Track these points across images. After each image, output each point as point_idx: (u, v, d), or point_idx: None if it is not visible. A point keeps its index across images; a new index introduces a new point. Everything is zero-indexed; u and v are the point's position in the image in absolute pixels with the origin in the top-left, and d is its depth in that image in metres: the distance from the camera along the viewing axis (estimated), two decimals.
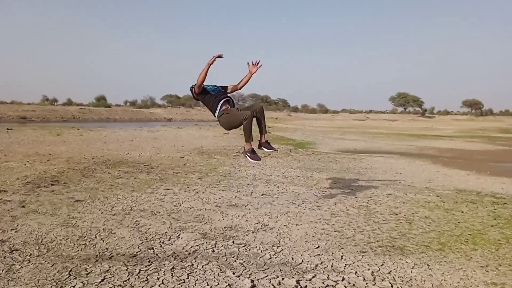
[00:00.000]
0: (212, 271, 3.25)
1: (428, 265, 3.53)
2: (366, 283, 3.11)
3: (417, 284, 3.14)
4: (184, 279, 3.07)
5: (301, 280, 3.11)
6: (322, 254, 3.73)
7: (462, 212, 5.50)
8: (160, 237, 4.05)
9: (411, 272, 3.36)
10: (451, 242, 4.20)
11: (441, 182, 8.27)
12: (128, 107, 66.24)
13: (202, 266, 3.35)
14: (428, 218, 5.13)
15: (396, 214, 5.27)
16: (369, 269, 3.39)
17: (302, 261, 3.55)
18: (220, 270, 3.29)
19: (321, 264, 3.49)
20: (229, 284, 3.00)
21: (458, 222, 4.96)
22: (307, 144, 17.60)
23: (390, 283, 3.13)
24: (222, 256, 3.60)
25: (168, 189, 6.30)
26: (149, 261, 3.42)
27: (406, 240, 4.22)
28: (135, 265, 3.33)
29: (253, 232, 4.36)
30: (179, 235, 4.12)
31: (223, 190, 6.37)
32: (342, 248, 3.90)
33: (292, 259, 3.59)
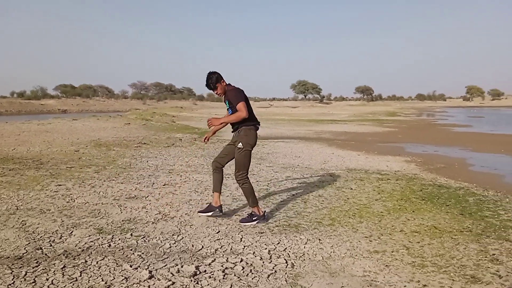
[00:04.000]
0: (108, 266, 3.13)
1: (319, 239, 3.79)
2: (263, 262, 3.24)
3: (309, 258, 3.37)
4: (76, 277, 2.91)
5: (200, 266, 3.14)
6: (222, 239, 3.80)
7: (351, 189, 5.99)
8: (50, 236, 3.77)
9: (304, 248, 3.58)
10: (340, 217, 4.56)
11: (334, 163, 8.89)
12: (16, 99, 59.90)
13: (97, 262, 3.21)
14: (321, 196, 5.50)
15: (293, 194, 5.56)
16: (266, 248, 3.54)
17: (202, 247, 3.58)
18: (117, 264, 3.18)
19: (221, 248, 3.56)
20: (125, 277, 2.92)
21: (348, 198, 5.40)
22: None
23: (285, 259, 3.31)
24: (119, 250, 3.48)
25: (60, 185, 5.87)
26: (37, 262, 3.18)
27: (301, 218, 4.49)
28: (21, 267, 3.07)
29: (153, 223, 4.28)
30: (71, 232, 3.88)
31: (122, 183, 6.13)
32: (242, 231, 4.02)
33: (193, 246, 3.61)
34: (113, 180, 6.34)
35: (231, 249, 3.54)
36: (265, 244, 3.65)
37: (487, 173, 8.55)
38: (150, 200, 5.19)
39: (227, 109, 4.49)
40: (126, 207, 4.82)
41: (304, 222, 4.33)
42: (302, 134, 17.82)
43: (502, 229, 4.09)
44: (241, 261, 3.25)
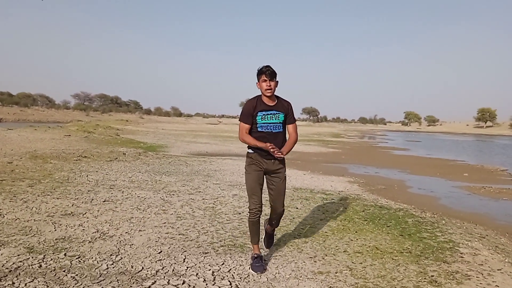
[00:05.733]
0: None
1: (264, 260, 3.73)
2: (206, 284, 3.13)
3: (254, 280, 3.30)
4: None
5: None
6: (164, 259, 3.63)
7: (297, 208, 6.02)
8: None
9: (249, 268, 3.51)
10: (286, 237, 4.54)
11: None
12: None
13: (26, 284, 2.94)
14: (268, 215, 5.45)
15: (240, 213, 5.49)
16: (210, 270, 3.43)
17: (143, 268, 3.40)
18: (47, 286, 2.93)
19: (162, 269, 3.39)
20: None
21: (293, 218, 5.41)
22: (158, 147, 17.22)
23: (229, 281, 3.21)
24: (51, 271, 3.22)
25: None
26: None
27: (247, 238, 4.41)
28: None
29: (89, 242, 4.02)
30: None
31: (58, 198, 5.74)
32: (185, 251, 3.87)
33: (132, 267, 3.41)
34: (48, 195, 5.93)
35: (173, 270, 3.38)
36: (209, 265, 3.54)
37: (425, 195, 8.98)
38: (87, 217, 4.89)
39: (259, 125, 3.50)
40: (61, 225, 4.50)
41: (249, 242, 4.25)
42: None
43: (440, 250, 4.26)
44: (183, 283, 3.11)
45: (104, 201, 5.79)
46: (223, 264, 3.59)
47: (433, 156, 21.25)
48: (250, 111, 3.47)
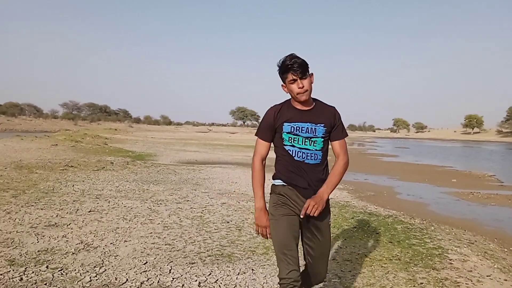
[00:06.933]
0: None
1: (252, 269, 3.67)
2: None
3: None
4: None
5: None
6: (150, 270, 3.55)
7: None
8: None
9: (237, 279, 3.44)
10: None
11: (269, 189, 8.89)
12: None
13: None
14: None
15: (228, 222, 5.42)
16: (196, 280, 3.35)
17: (127, 279, 3.31)
18: None
19: (147, 281, 3.31)
20: None
21: None
22: (147, 156, 17.07)
23: None
24: (32, 284, 3.12)
25: None
26: None
27: (235, 247, 4.35)
28: None
29: (73, 253, 3.91)
30: None
31: (42, 209, 5.62)
32: (171, 262, 3.79)
33: (116, 279, 3.33)
34: (32, 205, 5.80)
35: (158, 281, 3.30)
36: (196, 276, 3.46)
37: (413, 201, 9.00)
38: (72, 228, 4.78)
39: (289, 140, 2.31)
40: (44, 236, 4.39)
41: (237, 251, 4.20)
42: (240, 159, 17.80)
43: (429, 257, 4.24)
44: None
45: (89, 211, 5.68)
46: (210, 274, 3.52)
47: (421, 162, 21.39)
48: (270, 120, 2.34)
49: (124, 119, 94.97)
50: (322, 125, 2.32)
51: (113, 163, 12.21)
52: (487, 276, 3.77)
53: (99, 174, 9.75)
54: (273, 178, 2.40)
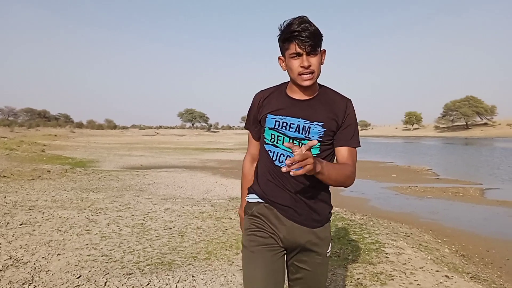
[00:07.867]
0: None
1: (193, 276, 3.59)
2: None
3: None
4: None
5: None
6: (83, 284, 3.37)
7: (231, 219, 5.94)
8: None
9: (176, 287, 3.35)
10: (217, 250, 4.43)
11: (217, 192, 8.83)
12: None
13: None
14: (200, 228, 5.33)
15: (170, 228, 5.29)
16: None
17: None
18: None
19: None
20: None
21: (226, 229, 5.31)
22: (88, 162, 16.38)
23: None
24: None
25: None
26: None
27: (176, 254, 4.24)
28: None
29: (0, 270, 3.64)
30: None
31: None
32: (107, 274, 3.62)
33: None
34: None
35: None
36: (133, 287, 3.33)
37: (356, 197, 9.29)
38: (0, 243, 4.45)
39: (266, 145, 1.73)
40: None
41: (178, 258, 4.10)
42: (188, 162, 17.55)
43: (366, 252, 4.37)
44: None
45: (21, 224, 5.32)
46: (148, 284, 3.40)
47: (364, 159, 22.17)
48: (254, 109, 1.79)
49: (65, 124, 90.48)
50: (320, 123, 1.63)
51: (50, 171, 11.58)
52: (420, 268, 3.95)
53: (34, 183, 9.20)
54: (248, 192, 1.81)
